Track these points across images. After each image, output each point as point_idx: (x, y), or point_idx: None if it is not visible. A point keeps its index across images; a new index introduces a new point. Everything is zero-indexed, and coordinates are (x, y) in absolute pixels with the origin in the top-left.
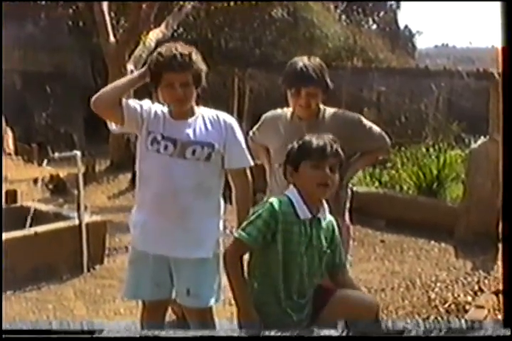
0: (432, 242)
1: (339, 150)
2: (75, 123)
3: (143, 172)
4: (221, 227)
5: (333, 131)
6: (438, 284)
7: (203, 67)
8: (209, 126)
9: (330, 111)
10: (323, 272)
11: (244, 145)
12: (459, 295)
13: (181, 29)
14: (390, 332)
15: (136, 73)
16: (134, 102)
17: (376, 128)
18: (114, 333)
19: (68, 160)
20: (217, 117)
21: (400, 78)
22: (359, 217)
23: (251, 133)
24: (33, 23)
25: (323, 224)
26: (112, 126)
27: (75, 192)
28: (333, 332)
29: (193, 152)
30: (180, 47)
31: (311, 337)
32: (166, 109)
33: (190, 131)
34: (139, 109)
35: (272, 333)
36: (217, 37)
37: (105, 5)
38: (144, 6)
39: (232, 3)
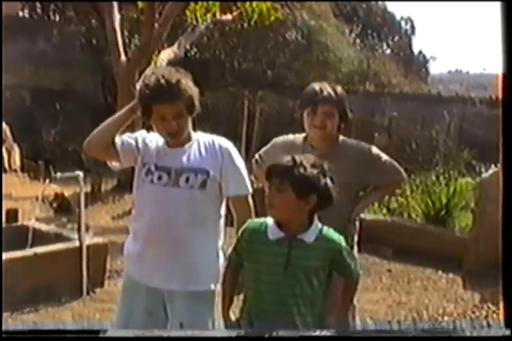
0: (440, 272)
1: (293, 170)
2: (84, 141)
3: (138, 202)
4: (221, 258)
5: (347, 164)
6: (445, 318)
7: (195, 92)
8: (203, 152)
9: (347, 141)
10: (323, 291)
11: (243, 171)
12: None
13: (194, 49)
14: (390, 332)
15: (125, 108)
16: (128, 137)
17: (393, 163)
18: (116, 333)
19: (74, 179)
20: (213, 142)
21: (412, 104)
22: (366, 245)
23: (257, 156)
24: (45, 39)
25: (310, 244)
26: (112, 164)
27: (77, 212)
28: (331, 333)
29: (187, 179)
30: (167, 75)
31: (311, 337)
32: (161, 138)
33: (183, 159)
34: (133, 143)
35: (272, 333)
36: (230, 58)
37: (117, 23)
38: (156, 24)
39: (246, 25)
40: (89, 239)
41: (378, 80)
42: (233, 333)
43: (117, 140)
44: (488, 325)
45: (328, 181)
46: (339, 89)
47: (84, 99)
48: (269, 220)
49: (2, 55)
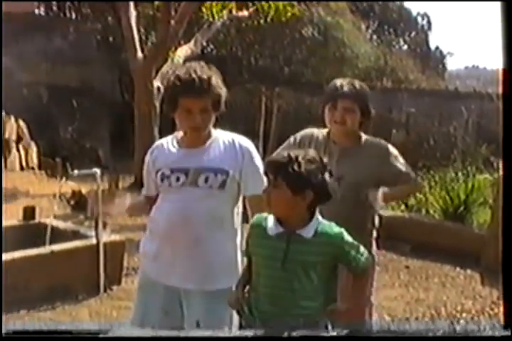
0: (458, 269)
1: (287, 166)
2: (101, 138)
3: (158, 202)
4: (239, 257)
5: (367, 162)
6: (464, 314)
7: (223, 91)
8: (223, 152)
9: (369, 139)
10: (324, 284)
11: (261, 171)
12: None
13: (211, 46)
14: (390, 332)
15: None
16: (150, 178)
17: (407, 167)
18: (118, 333)
19: (92, 176)
20: (233, 141)
21: (429, 100)
22: (384, 241)
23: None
24: (62, 36)
25: (309, 239)
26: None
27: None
28: (332, 332)
29: (206, 179)
30: (200, 70)
31: (312, 336)
32: (175, 139)
33: (202, 158)
34: (153, 176)
35: (272, 333)
36: (247, 54)
37: (133, 20)
38: (172, 21)
39: (262, 21)
40: (106, 237)
41: (395, 76)
42: (235, 333)
43: (152, 194)
44: (488, 325)
45: (326, 176)
46: (361, 85)
47: (102, 96)
48: (271, 215)
49: (2, 51)
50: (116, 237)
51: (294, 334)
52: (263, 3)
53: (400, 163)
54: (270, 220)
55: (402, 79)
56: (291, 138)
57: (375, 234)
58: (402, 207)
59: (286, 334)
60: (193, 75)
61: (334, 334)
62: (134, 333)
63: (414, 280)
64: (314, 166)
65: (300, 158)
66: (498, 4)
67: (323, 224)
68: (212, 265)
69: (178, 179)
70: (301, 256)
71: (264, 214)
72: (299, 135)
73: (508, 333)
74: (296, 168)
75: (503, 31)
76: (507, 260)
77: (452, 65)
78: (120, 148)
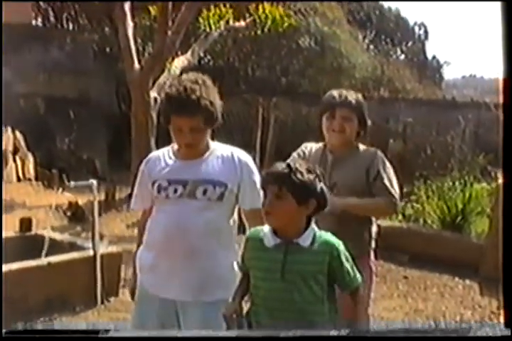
0: (457, 279)
1: (291, 176)
2: (98, 149)
3: (153, 214)
4: (236, 268)
5: (359, 168)
6: (463, 325)
7: (218, 105)
8: (222, 164)
9: (365, 148)
10: (326, 296)
11: (258, 186)
12: None
13: (208, 56)
14: (391, 332)
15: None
16: (144, 190)
17: (395, 187)
18: (117, 333)
19: (88, 187)
20: (232, 155)
21: (426, 109)
22: (382, 251)
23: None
24: (59, 47)
25: (306, 248)
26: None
27: (91, 220)
28: (333, 332)
29: (204, 192)
30: (191, 86)
31: (312, 336)
32: (171, 151)
33: (201, 170)
34: (149, 187)
35: (272, 333)
36: (244, 65)
37: (130, 30)
38: (169, 32)
39: (259, 32)
40: (103, 248)
41: (392, 86)
42: (240, 333)
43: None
44: (488, 325)
45: (323, 185)
46: (358, 95)
47: (99, 107)
48: (266, 227)
49: (2, 59)
50: (113, 249)
51: (294, 334)
52: (260, 13)
53: (388, 179)
54: (266, 232)
55: (399, 89)
56: (295, 154)
57: (373, 244)
58: (400, 217)
59: (286, 334)
60: (183, 94)
61: (334, 334)
62: (134, 333)
63: (412, 290)
64: (314, 175)
65: (300, 168)
66: (496, 13)
67: (320, 232)
68: (210, 276)
69: (175, 191)
70: (299, 266)
71: (259, 227)
72: (299, 150)
73: (508, 333)
74: (300, 177)
75: (503, 35)
76: (507, 261)
77: (449, 74)
78: (117, 159)
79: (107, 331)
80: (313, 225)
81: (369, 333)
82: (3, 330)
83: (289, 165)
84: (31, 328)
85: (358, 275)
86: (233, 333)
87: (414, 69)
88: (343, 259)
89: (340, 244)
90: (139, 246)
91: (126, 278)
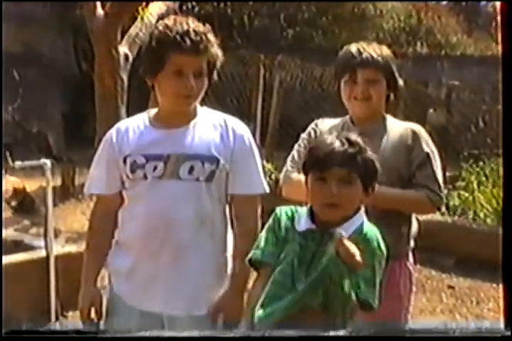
0: None
1: (357, 155)
2: (52, 120)
3: (126, 203)
4: (228, 271)
5: (392, 147)
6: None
7: (220, 54)
8: (212, 134)
9: (394, 120)
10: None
11: (259, 164)
12: None
13: (193, 2)
14: (391, 332)
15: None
16: (111, 170)
17: (437, 175)
18: (117, 334)
19: (39, 169)
20: (225, 123)
21: (478, 69)
22: (419, 253)
23: (289, 162)
24: None
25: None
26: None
27: (44, 212)
28: (334, 333)
29: (191, 170)
30: (194, 23)
31: (312, 336)
32: (147, 118)
33: (185, 141)
34: (121, 165)
35: (273, 333)
36: (239, 13)
37: None
38: None
39: None
40: (59, 248)
41: (433, 39)
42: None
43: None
44: (488, 325)
45: None
46: (385, 50)
47: (51, 66)
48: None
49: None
50: (71, 248)
51: (294, 334)
52: None
53: (436, 165)
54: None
55: (442, 44)
56: (304, 135)
57: (412, 243)
58: (443, 208)
59: (286, 335)
60: (187, 27)
61: (334, 334)
62: (135, 333)
63: (461, 304)
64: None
65: (363, 145)
66: None
67: (365, 223)
68: (203, 282)
69: (155, 168)
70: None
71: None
72: (310, 128)
73: (508, 333)
74: (369, 156)
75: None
76: (507, 260)
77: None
78: (76, 134)
79: (107, 331)
80: (361, 212)
81: (369, 333)
82: (3, 330)
83: (349, 140)
84: (31, 328)
85: (376, 292)
86: (233, 333)
87: (461, 16)
88: (376, 266)
89: (381, 243)
90: (98, 248)
91: None
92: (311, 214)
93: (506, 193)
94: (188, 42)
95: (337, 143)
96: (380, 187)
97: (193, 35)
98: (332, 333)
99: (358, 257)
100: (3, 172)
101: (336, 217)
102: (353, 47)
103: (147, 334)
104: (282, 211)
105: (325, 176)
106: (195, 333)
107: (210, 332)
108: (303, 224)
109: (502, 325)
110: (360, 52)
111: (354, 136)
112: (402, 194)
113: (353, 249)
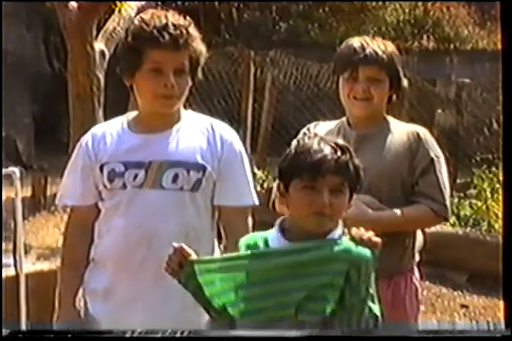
0: None
1: (349, 163)
2: (20, 124)
3: (102, 217)
4: None
5: (394, 150)
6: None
7: (204, 49)
8: (199, 141)
9: (396, 122)
10: None
11: (248, 174)
12: None
13: None
14: (391, 332)
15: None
16: (85, 179)
17: (442, 183)
18: (117, 334)
19: (8, 177)
20: (212, 128)
21: (491, 65)
22: (427, 268)
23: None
24: None
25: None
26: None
27: (13, 226)
28: (334, 332)
29: (174, 178)
30: (174, 16)
31: (312, 336)
32: (126, 122)
33: (169, 148)
34: (97, 172)
35: (273, 333)
36: (226, 5)
37: None
38: None
39: None
40: (29, 265)
41: (441, 33)
42: (233, 333)
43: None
44: (488, 324)
45: None
46: (389, 45)
47: (20, 64)
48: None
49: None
50: (44, 266)
51: (294, 334)
52: None
53: (440, 172)
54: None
55: (451, 37)
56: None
57: (417, 256)
58: (453, 219)
59: (286, 335)
60: (165, 20)
61: (335, 334)
62: (133, 334)
63: None
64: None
65: (352, 150)
66: None
67: (344, 233)
68: (187, 303)
69: (135, 177)
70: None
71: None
72: (305, 130)
73: (508, 333)
74: (357, 163)
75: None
76: (507, 260)
77: None
78: (48, 139)
79: (107, 331)
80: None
81: (369, 333)
82: (4, 330)
83: (342, 148)
84: (32, 328)
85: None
86: (233, 333)
87: (473, 7)
88: (363, 273)
89: (367, 253)
90: (74, 265)
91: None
92: (282, 231)
93: (507, 200)
94: (167, 36)
95: (328, 149)
96: (378, 213)
97: (171, 29)
98: (332, 333)
99: (374, 238)
100: None
101: (325, 229)
102: (356, 42)
103: (146, 334)
104: (243, 244)
105: (315, 184)
106: (198, 333)
107: (211, 332)
108: (276, 244)
109: (502, 325)
110: (363, 48)
111: (341, 141)
112: (402, 215)
113: (365, 234)
